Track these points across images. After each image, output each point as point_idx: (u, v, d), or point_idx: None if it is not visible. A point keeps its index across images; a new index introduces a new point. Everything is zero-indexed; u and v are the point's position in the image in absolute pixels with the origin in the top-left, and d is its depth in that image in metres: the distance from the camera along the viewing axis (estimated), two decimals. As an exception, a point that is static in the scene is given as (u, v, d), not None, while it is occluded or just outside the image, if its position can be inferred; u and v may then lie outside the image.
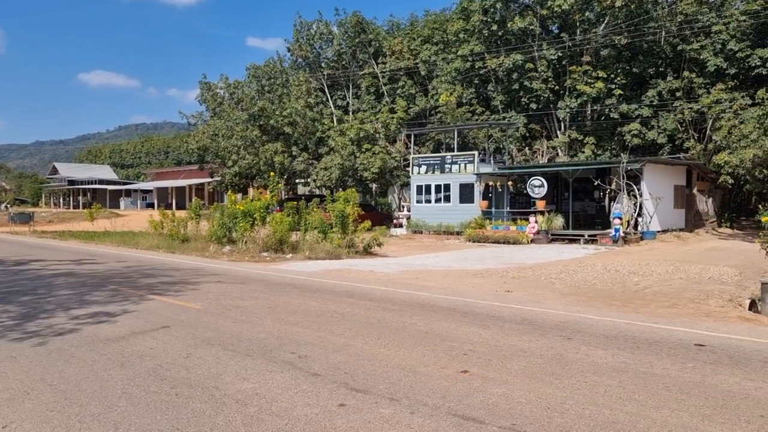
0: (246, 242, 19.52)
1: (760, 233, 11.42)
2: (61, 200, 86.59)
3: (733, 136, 26.19)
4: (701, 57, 31.03)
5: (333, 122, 43.19)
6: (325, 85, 45.73)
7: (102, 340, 7.20)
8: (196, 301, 10.03)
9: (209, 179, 50.93)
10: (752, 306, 9.38)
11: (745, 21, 29.42)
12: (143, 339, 7.22)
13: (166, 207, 52.95)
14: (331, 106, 45.55)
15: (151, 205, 70.69)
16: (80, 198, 79.47)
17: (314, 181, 40.15)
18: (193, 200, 26.29)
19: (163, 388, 5.31)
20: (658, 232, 25.04)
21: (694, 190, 30.32)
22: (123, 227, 34.94)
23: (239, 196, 36.22)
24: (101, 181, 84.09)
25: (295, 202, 22.32)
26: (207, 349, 6.72)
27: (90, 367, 6.02)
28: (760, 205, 12.67)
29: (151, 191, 75.65)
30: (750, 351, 6.66)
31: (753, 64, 29.12)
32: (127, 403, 4.93)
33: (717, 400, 4.97)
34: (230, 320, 8.39)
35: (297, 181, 44.94)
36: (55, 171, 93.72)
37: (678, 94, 32.06)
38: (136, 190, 79.31)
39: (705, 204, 31.46)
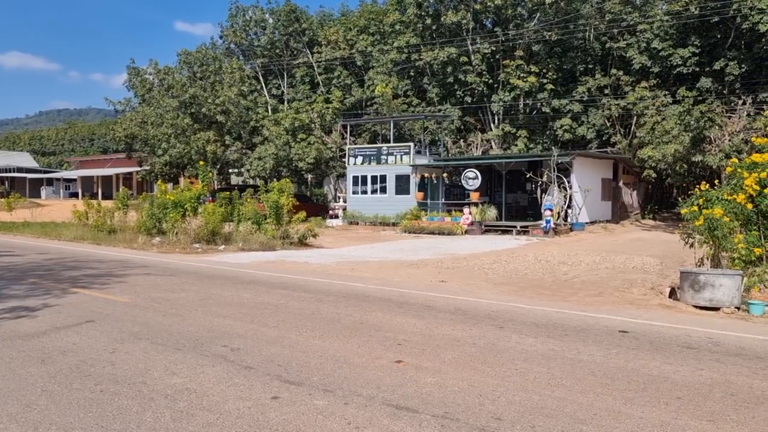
0: (177, 233, 18.99)
1: (680, 224, 11.99)
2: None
3: (656, 132, 27.38)
4: (627, 55, 32.23)
5: (267, 111, 42.51)
6: (259, 74, 44.94)
7: (20, 335, 6.84)
8: (123, 294, 9.68)
9: (138, 168, 49.21)
10: (672, 294, 9.84)
11: (667, 21, 30.73)
12: (66, 334, 6.90)
13: (91, 197, 50.96)
14: (266, 94, 44.81)
15: (75, 195, 67.68)
16: (-3, 187, 75.32)
17: (248, 171, 39.45)
18: (120, 190, 25.29)
19: (86, 384, 5.09)
20: (587, 223, 25.94)
21: (621, 183, 31.56)
22: (44, 217, 33.31)
23: (170, 185, 35.21)
24: (20, 169, 79.75)
25: (228, 193, 21.87)
26: (134, 343, 6.49)
27: (7, 364, 5.71)
28: (680, 198, 13.31)
29: (74, 180, 72.42)
30: (669, 336, 6.99)
31: (675, 63, 30.47)
32: (48, 401, 4.70)
33: (639, 383, 5.19)
34: (159, 313, 8.14)
35: (230, 170, 44.04)
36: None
37: (606, 91, 33.23)
38: (58, 179, 75.71)
39: (630, 196, 32.80)
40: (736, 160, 11.74)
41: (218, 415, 4.39)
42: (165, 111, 39.27)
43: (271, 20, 44.12)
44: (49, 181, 75.81)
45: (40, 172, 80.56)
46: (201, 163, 24.40)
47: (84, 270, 12.99)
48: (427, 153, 31.03)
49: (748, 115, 26.94)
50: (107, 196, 57.59)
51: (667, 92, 30.64)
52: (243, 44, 45.34)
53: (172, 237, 19.03)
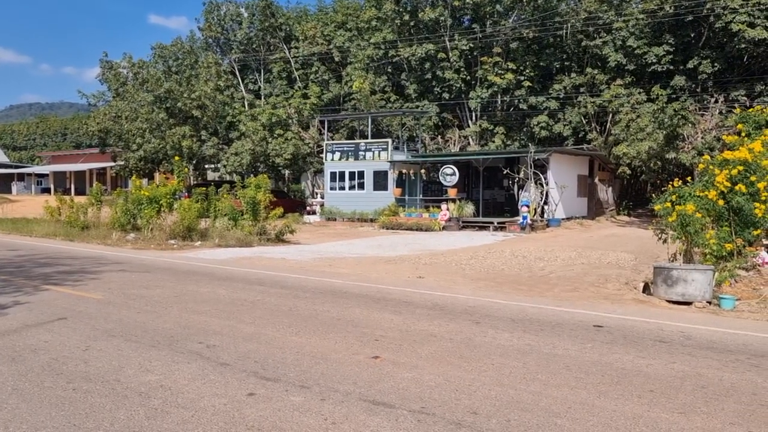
0: (152, 229, 18.77)
1: (654, 221, 12.15)
2: (-56, 184, 79.88)
3: (630, 130, 27.71)
4: (603, 53, 32.54)
5: (244, 106, 42.14)
6: (236, 69, 44.52)
7: (-10, 333, 6.70)
8: (97, 291, 9.54)
9: (112, 163, 48.54)
10: (645, 289, 9.98)
11: (643, 19, 31.07)
12: (37, 332, 6.78)
13: (64, 192, 50.09)
14: (243, 90, 44.42)
15: (47, 190, 66.51)
16: (-33, 182, 73.62)
17: (224, 166, 39.11)
18: (93, 185, 24.90)
19: (58, 382, 5.01)
20: (563, 219, 26.17)
21: (596, 180, 31.89)
22: (15, 213, 32.70)
23: (145, 181, 34.76)
24: (-9, 164, 78.26)
25: (205, 188, 21.68)
26: (108, 340, 6.40)
27: (-24, 362, 5.59)
28: (654, 195, 13.50)
29: (47, 175, 71.11)
30: (642, 330, 7.09)
31: (649, 61, 30.84)
32: (19, 399, 4.62)
33: (612, 377, 5.26)
34: (134, 310, 8.04)
35: (206, 166, 43.63)
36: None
37: (582, 89, 33.54)
38: (30, 174, 74.28)
39: (605, 193, 33.17)
40: (708, 158, 11.95)
41: (193, 412, 4.35)
42: (139, 105, 38.74)
43: (246, 15, 43.71)
44: (21, 177, 74.40)
45: (10, 167, 78.97)
46: (176, 158, 24.12)
47: (56, 267, 12.78)
48: (405, 149, 31.04)
49: (720, 113, 27.40)
50: (80, 191, 56.65)
51: (641, 90, 31.00)
52: (219, 39, 44.87)
53: (147, 233, 18.81)
